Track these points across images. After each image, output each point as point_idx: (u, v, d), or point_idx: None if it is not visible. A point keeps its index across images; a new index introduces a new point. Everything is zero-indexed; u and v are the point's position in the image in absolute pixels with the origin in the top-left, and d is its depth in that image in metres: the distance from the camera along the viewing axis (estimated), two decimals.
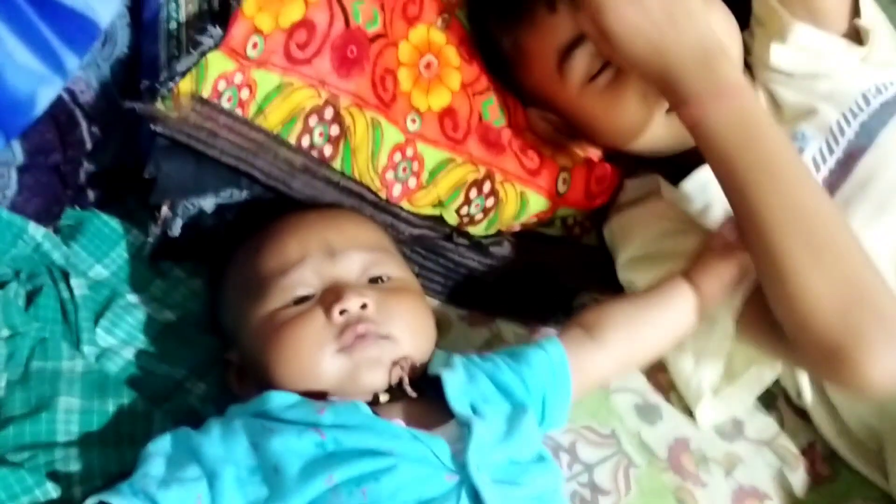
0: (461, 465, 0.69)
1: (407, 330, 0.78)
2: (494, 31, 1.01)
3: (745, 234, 0.84)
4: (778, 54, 0.97)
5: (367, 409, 0.73)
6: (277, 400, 0.74)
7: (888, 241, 0.91)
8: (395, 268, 0.84)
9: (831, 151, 0.95)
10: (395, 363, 0.77)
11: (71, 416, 0.77)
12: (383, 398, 0.76)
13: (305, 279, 0.79)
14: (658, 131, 0.99)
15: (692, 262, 0.89)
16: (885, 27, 0.99)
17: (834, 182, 0.96)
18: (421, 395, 0.77)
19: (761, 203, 0.82)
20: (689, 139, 0.92)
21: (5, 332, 0.81)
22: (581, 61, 0.97)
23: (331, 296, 0.77)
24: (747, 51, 1.01)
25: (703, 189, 0.99)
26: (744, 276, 0.88)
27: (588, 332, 0.84)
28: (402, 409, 0.75)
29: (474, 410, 0.74)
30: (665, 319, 0.88)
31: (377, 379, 0.76)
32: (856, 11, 0.97)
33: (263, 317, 0.79)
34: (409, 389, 0.76)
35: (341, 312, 0.76)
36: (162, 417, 0.81)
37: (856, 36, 0.98)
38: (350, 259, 0.81)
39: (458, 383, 0.76)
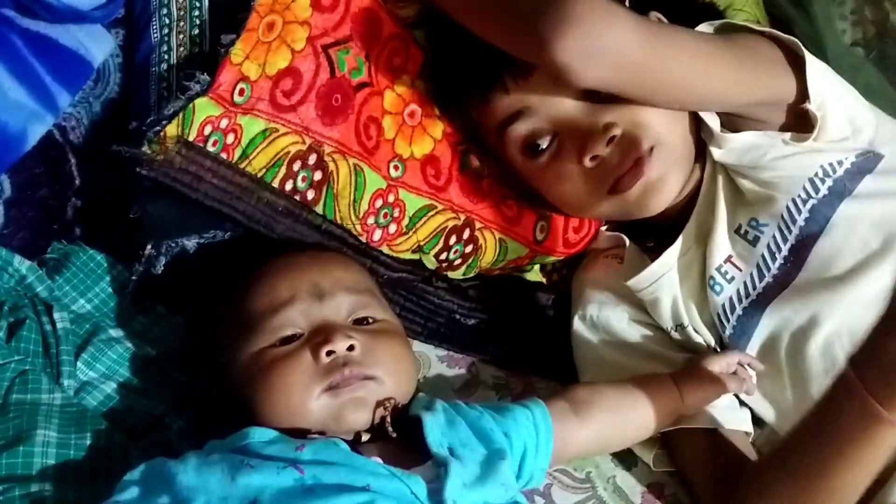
0: (436, 501, 0.70)
1: (391, 372, 0.80)
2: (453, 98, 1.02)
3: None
4: (718, 153, 0.98)
5: (346, 447, 0.74)
6: (257, 436, 0.76)
7: (846, 325, 0.92)
8: (379, 310, 0.86)
9: (784, 239, 0.96)
10: (378, 404, 0.79)
11: (48, 450, 0.78)
12: (365, 437, 0.78)
13: (294, 320, 0.81)
14: (602, 208, 1.01)
15: (684, 369, 0.96)
16: (844, 99, 0.98)
17: (790, 270, 0.97)
18: (399, 436, 0.78)
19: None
20: (635, 213, 0.98)
21: None
22: (517, 136, 0.99)
23: (319, 337, 0.79)
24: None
25: (653, 283, 1.02)
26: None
27: (574, 408, 0.88)
28: (380, 449, 0.77)
29: (452, 453, 0.76)
30: (647, 414, 0.92)
31: (361, 418, 0.78)
32: (805, 93, 0.95)
33: (251, 355, 0.80)
34: (389, 429, 0.78)
35: (328, 353, 0.78)
36: (139, 453, 0.82)
37: (804, 118, 0.97)
38: (337, 301, 0.83)
39: (437, 426, 0.78)
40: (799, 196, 0.96)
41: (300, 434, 0.77)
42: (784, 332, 0.96)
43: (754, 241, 0.98)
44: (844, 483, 0.79)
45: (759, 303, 0.97)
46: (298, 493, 0.69)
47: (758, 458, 0.95)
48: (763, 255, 0.97)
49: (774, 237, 0.97)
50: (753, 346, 0.98)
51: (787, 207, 0.96)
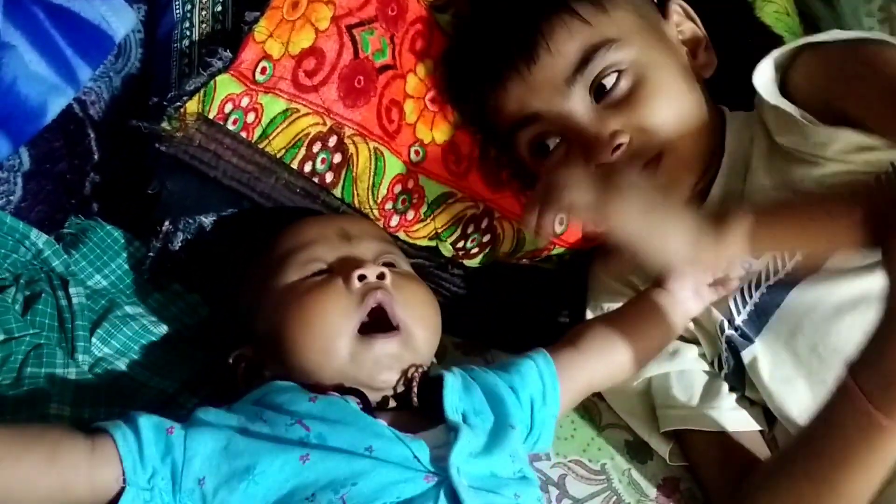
0: (442, 469, 0.70)
1: (421, 320, 0.80)
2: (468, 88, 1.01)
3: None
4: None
5: (356, 406, 0.74)
6: (277, 386, 0.76)
7: None
8: (404, 263, 0.87)
9: None
10: (406, 370, 0.78)
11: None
12: (392, 403, 0.78)
13: (323, 255, 0.82)
14: None
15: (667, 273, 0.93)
16: None
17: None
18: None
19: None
20: None
21: (1, 337, 0.82)
22: (526, 140, 0.98)
23: (349, 265, 0.79)
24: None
25: None
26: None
27: (573, 344, 0.89)
28: (390, 412, 0.77)
29: (464, 419, 0.76)
30: (645, 325, 0.92)
31: (390, 378, 0.78)
32: None
33: (283, 288, 0.80)
34: (415, 399, 0.78)
35: (360, 278, 0.78)
36: None
37: None
38: (365, 245, 0.84)
39: (455, 390, 0.78)
40: None
41: (325, 386, 0.77)
42: (811, 314, 0.92)
43: None
44: (848, 490, 0.78)
45: (787, 282, 0.94)
46: (300, 454, 0.69)
47: (767, 459, 0.94)
48: None
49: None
50: (772, 327, 0.95)
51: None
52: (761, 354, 0.94)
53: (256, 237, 0.89)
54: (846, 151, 0.89)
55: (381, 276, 0.79)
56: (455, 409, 0.76)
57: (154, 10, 0.98)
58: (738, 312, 0.97)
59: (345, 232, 0.84)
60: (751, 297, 0.95)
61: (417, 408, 0.78)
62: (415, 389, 0.78)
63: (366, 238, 0.84)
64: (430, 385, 0.79)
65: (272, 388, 0.76)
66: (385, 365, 0.78)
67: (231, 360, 0.84)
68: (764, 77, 0.92)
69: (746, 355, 0.95)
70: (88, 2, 0.92)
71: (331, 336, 0.77)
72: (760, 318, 0.95)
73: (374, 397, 0.78)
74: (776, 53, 0.92)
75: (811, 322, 0.92)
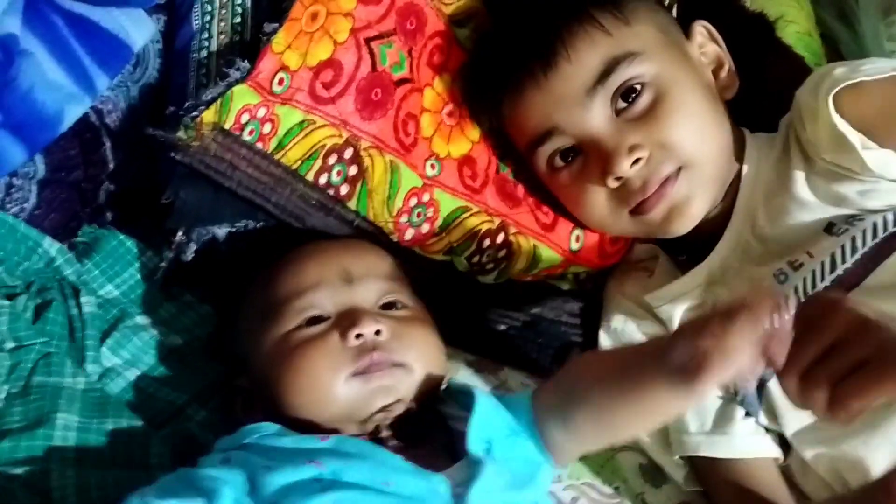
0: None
1: (420, 359, 0.79)
2: (485, 100, 1.00)
3: None
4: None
5: (371, 442, 0.73)
6: (269, 429, 0.75)
7: None
8: (409, 298, 0.85)
9: (874, 235, 0.90)
10: (390, 405, 0.77)
11: (68, 434, 0.78)
12: (385, 433, 0.76)
13: (321, 302, 0.80)
14: (624, 226, 0.99)
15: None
16: None
17: (866, 266, 0.90)
18: (429, 434, 0.77)
19: None
20: (659, 234, 0.95)
21: (10, 344, 0.81)
22: (543, 154, 0.98)
23: (347, 320, 0.78)
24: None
25: (670, 302, 0.99)
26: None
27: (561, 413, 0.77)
28: (407, 446, 0.75)
29: (489, 451, 0.74)
30: (640, 404, 0.75)
31: (385, 402, 0.76)
32: None
33: (278, 338, 0.79)
34: (389, 436, 0.76)
35: (357, 336, 0.77)
36: (160, 442, 0.81)
37: None
38: (366, 287, 0.82)
39: (481, 421, 0.75)
40: None
41: (321, 429, 0.75)
42: None
43: (839, 234, 0.92)
44: None
45: None
46: (315, 490, 0.68)
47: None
48: (843, 246, 0.91)
49: (864, 231, 0.90)
50: None
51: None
52: None
53: (270, 251, 0.88)
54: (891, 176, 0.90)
55: (378, 333, 0.78)
56: (478, 442, 0.74)
57: (173, 21, 0.97)
58: None
59: (347, 273, 0.82)
60: None
61: (435, 442, 0.77)
62: (389, 421, 0.76)
63: (368, 278, 0.82)
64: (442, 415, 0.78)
65: (269, 432, 0.74)
66: (380, 395, 0.77)
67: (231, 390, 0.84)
68: (830, 101, 0.89)
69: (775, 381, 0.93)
70: (108, 12, 0.92)
71: (323, 389, 0.76)
72: None
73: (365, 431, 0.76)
74: (844, 82, 0.89)
75: None
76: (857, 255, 0.90)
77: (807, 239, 0.94)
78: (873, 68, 0.90)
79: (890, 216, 0.89)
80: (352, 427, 0.76)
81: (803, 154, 0.95)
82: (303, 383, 0.77)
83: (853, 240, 0.90)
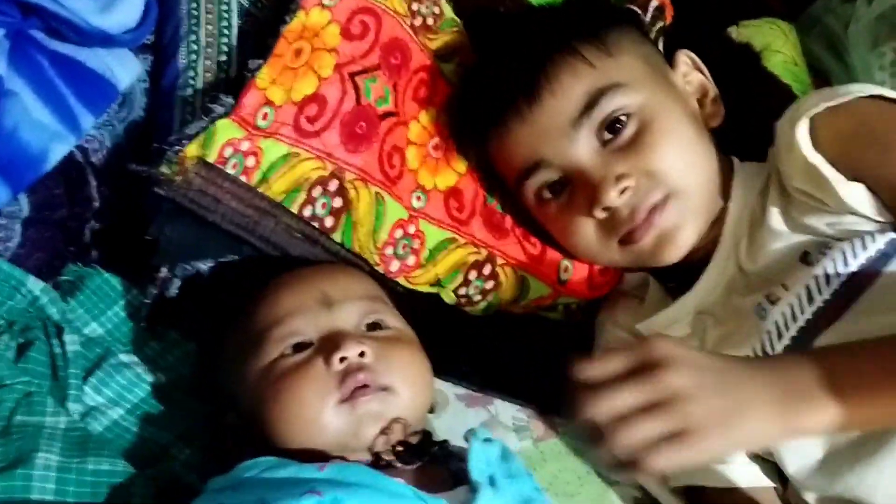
0: None
1: (406, 381, 0.78)
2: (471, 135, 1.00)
3: None
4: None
5: (371, 469, 0.72)
6: (267, 463, 0.73)
7: None
8: (391, 317, 0.84)
9: (846, 264, 0.89)
10: (392, 422, 0.76)
11: (48, 474, 0.75)
12: (386, 457, 0.75)
13: (301, 328, 0.79)
14: (613, 256, 0.98)
15: None
16: None
17: (846, 297, 0.89)
18: (433, 461, 0.76)
19: None
20: (649, 263, 0.95)
21: None
22: (531, 187, 0.98)
23: (329, 344, 0.77)
24: None
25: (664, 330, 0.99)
26: None
27: None
28: (409, 473, 0.74)
29: (492, 483, 0.73)
30: None
31: (374, 430, 0.76)
32: None
33: (261, 369, 0.78)
34: (394, 459, 0.75)
35: (341, 360, 0.76)
36: (143, 483, 0.79)
37: None
38: (347, 309, 0.81)
39: (484, 455, 0.75)
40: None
41: (317, 458, 0.74)
42: None
43: (813, 263, 0.91)
44: None
45: (808, 331, 0.90)
46: None
47: None
48: (816, 276, 0.90)
49: (835, 260, 0.89)
50: None
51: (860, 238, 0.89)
52: None
53: (255, 284, 0.88)
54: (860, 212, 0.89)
55: (362, 355, 0.77)
56: (481, 471, 0.73)
57: (160, 61, 0.98)
58: None
59: (325, 297, 0.81)
60: (773, 350, 0.92)
61: (435, 470, 0.76)
62: (388, 443, 0.75)
63: (347, 300, 0.81)
64: (441, 447, 0.77)
65: (268, 465, 0.73)
66: (369, 422, 0.76)
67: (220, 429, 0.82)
68: (803, 130, 0.90)
69: None
70: (94, 51, 0.92)
71: (312, 418, 0.75)
72: None
73: (365, 459, 0.75)
74: (818, 105, 0.90)
75: None
76: (835, 286, 0.89)
77: (783, 270, 0.93)
78: (845, 90, 0.90)
79: (858, 243, 0.88)
80: (354, 453, 0.75)
81: (781, 185, 0.95)
82: (291, 413, 0.76)
83: (825, 270, 0.89)
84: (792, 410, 0.72)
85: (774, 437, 0.74)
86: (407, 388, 0.78)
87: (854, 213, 0.90)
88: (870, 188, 0.89)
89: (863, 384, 0.73)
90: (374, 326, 0.81)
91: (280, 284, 0.84)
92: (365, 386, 0.76)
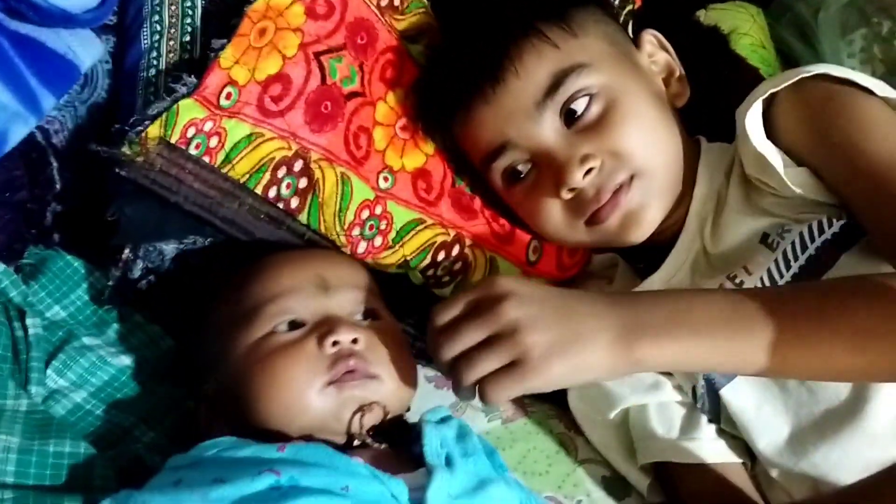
0: None
1: (393, 373, 0.79)
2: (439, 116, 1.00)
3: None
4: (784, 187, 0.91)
5: (329, 448, 0.72)
6: (226, 443, 0.73)
7: None
8: (383, 310, 0.84)
9: (804, 247, 0.89)
10: (368, 405, 0.76)
11: (9, 456, 0.74)
12: (357, 442, 0.76)
13: (296, 308, 0.79)
14: (580, 236, 0.98)
15: None
16: None
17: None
18: (398, 444, 0.76)
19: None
20: (615, 243, 0.95)
21: None
22: (497, 169, 0.98)
23: (325, 326, 0.77)
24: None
25: None
26: None
27: None
28: (371, 454, 0.74)
29: (448, 462, 0.73)
30: None
31: (365, 419, 0.76)
32: None
33: (251, 343, 0.78)
34: (369, 439, 0.76)
35: (334, 344, 0.76)
36: (104, 464, 0.78)
37: None
38: (342, 296, 0.81)
39: (438, 436, 0.75)
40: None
41: (285, 437, 0.74)
42: None
43: (774, 247, 0.92)
44: None
45: None
46: (274, 497, 0.66)
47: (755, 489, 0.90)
48: (777, 260, 0.90)
49: (794, 243, 0.89)
50: None
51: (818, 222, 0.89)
52: (745, 386, 0.91)
53: (221, 267, 0.87)
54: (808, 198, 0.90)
55: (354, 342, 0.77)
56: (436, 454, 0.74)
57: (123, 41, 0.97)
58: None
59: (322, 281, 0.81)
60: None
61: (401, 452, 0.76)
62: (362, 425, 0.75)
63: (344, 287, 0.82)
64: (411, 431, 0.77)
65: (228, 445, 0.72)
66: (352, 404, 0.76)
67: (193, 402, 0.82)
68: (753, 118, 0.91)
69: (728, 390, 0.92)
70: (55, 32, 0.91)
71: (297, 397, 0.75)
72: None
73: (339, 439, 0.76)
74: (766, 92, 0.91)
75: None
76: (794, 269, 0.89)
77: (744, 252, 0.93)
78: (793, 73, 0.91)
79: (815, 225, 0.89)
80: (329, 434, 0.75)
81: (742, 168, 0.96)
82: (276, 389, 0.76)
83: (784, 253, 0.90)
84: (630, 341, 0.72)
85: (614, 367, 0.72)
86: (393, 380, 0.78)
87: (803, 197, 0.90)
88: (814, 171, 0.90)
89: (717, 323, 0.73)
90: (366, 316, 0.82)
91: (279, 262, 0.84)
92: (353, 371, 0.76)
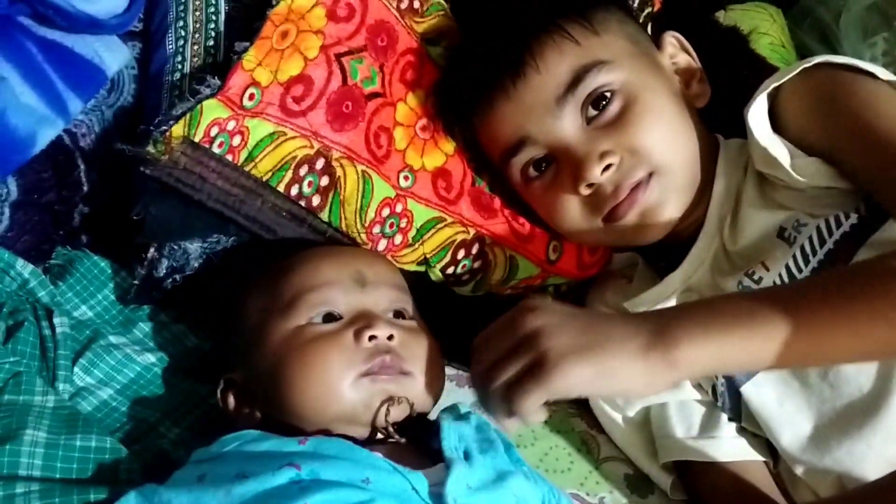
0: (440, 503, 0.69)
1: (424, 371, 0.80)
2: (457, 113, 1.00)
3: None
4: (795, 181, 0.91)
5: (349, 442, 0.73)
6: (249, 436, 0.74)
7: None
8: (414, 311, 0.86)
9: (822, 242, 0.89)
10: (397, 399, 0.77)
11: (36, 450, 0.76)
12: (379, 435, 0.77)
13: (335, 300, 0.81)
14: (598, 234, 0.98)
15: None
16: None
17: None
18: (418, 440, 0.78)
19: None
20: (633, 241, 0.96)
21: None
22: (517, 165, 0.98)
23: (362, 321, 0.79)
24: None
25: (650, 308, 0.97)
26: None
27: None
28: (390, 448, 0.75)
29: (467, 456, 0.74)
30: None
31: (391, 413, 0.77)
32: None
33: (289, 332, 0.79)
34: (391, 431, 0.77)
35: (371, 338, 0.78)
36: (130, 458, 0.79)
37: None
38: (379, 293, 0.83)
39: (456, 432, 0.76)
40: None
41: (314, 431, 0.76)
42: None
43: (791, 241, 0.91)
44: None
45: None
46: (294, 492, 0.67)
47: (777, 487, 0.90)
48: (795, 256, 0.90)
49: (811, 238, 0.89)
50: None
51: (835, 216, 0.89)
52: (767, 383, 0.91)
53: (244, 267, 0.88)
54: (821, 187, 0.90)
55: (390, 338, 0.79)
56: (454, 448, 0.75)
57: (148, 47, 0.99)
58: None
59: (360, 276, 0.83)
60: None
61: (419, 448, 0.77)
62: (388, 417, 0.76)
63: (380, 284, 0.83)
64: (431, 427, 0.78)
65: (250, 438, 0.74)
66: (382, 397, 0.77)
67: (220, 387, 0.82)
68: (757, 114, 0.91)
69: (749, 387, 0.91)
70: (82, 38, 0.93)
71: (333, 385, 0.76)
72: None
73: (362, 433, 0.77)
74: (769, 87, 0.91)
75: None
76: (813, 264, 0.89)
77: (762, 248, 0.93)
78: (804, 61, 0.91)
79: (832, 220, 0.88)
80: (354, 427, 0.77)
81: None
82: (312, 377, 0.77)
83: (802, 248, 0.89)
84: (666, 342, 0.71)
85: (650, 374, 0.71)
86: (424, 379, 0.80)
87: (815, 187, 0.90)
88: (828, 159, 0.89)
89: (748, 315, 0.72)
90: (398, 315, 0.83)
91: (319, 254, 0.85)
92: (388, 366, 0.77)
